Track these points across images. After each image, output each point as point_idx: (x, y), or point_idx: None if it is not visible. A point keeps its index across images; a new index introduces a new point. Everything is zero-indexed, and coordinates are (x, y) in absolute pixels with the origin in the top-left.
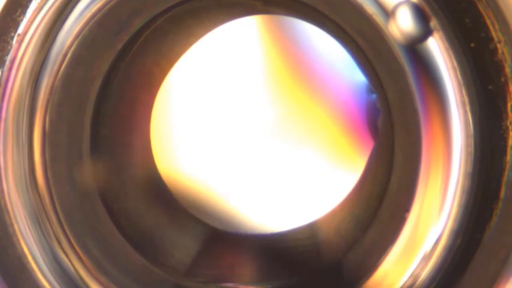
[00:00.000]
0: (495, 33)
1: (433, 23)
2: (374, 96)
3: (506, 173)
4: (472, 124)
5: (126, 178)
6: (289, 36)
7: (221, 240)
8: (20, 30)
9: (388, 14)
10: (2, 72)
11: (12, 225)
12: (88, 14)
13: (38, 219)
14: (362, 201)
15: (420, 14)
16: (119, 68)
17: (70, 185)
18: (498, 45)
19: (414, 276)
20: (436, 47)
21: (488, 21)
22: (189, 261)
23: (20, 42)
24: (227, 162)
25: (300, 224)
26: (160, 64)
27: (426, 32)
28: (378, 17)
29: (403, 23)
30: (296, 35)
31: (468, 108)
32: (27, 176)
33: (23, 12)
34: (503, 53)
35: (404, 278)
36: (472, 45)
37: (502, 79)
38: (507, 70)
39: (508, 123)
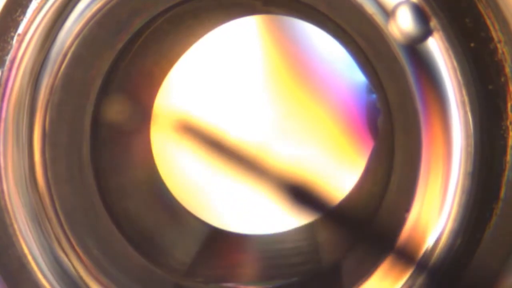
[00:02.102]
0: (495, 33)
1: (433, 23)
2: (374, 96)
3: (506, 173)
4: (472, 124)
5: (126, 178)
6: (289, 36)
7: (221, 240)
8: (20, 30)
9: (388, 14)
10: (2, 72)
11: (12, 225)
12: (88, 14)
13: (38, 219)
14: (362, 201)
15: (420, 14)
16: (119, 68)
17: (70, 185)
18: (498, 45)
19: (414, 277)
20: (436, 47)
21: (488, 21)
22: (189, 261)
23: (20, 42)
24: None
25: (300, 224)
26: (160, 64)
27: (426, 32)
28: (378, 17)
29: (403, 23)
30: (296, 35)
31: (468, 108)
32: (27, 176)
33: (23, 12)
34: (503, 53)
35: (404, 278)
36: (472, 45)
37: (502, 79)
38: (507, 70)
39: (508, 123)
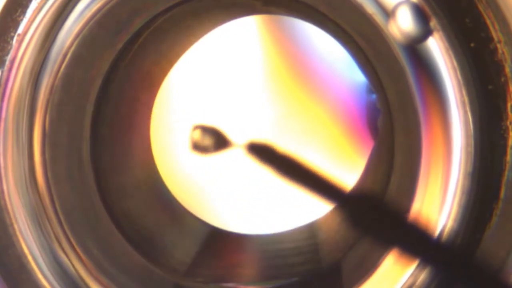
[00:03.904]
0: (495, 33)
1: (433, 23)
2: (374, 96)
3: (506, 173)
4: (472, 124)
5: (126, 178)
6: (289, 36)
7: (221, 240)
8: (20, 30)
9: (388, 14)
10: (2, 72)
11: (12, 225)
12: (88, 14)
13: (38, 219)
14: None
15: (420, 14)
16: (119, 68)
17: (70, 185)
18: (498, 45)
19: (414, 276)
20: (436, 47)
21: (488, 21)
22: (189, 261)
23: (20, 42)
24: (227, 162)
25: (300, 224)
26: (160, 64)
27: (426, 32)
28: (378, 17)
29: (403, 23)
30: (296, 35)
31: (468, 108)
32: (27, 176)
33: (23, 12)
34: (503, 53)
35: (404, 278)
36: (472, 45)
37: (502, 79)
38: (507, 70)
39: (508, 123)
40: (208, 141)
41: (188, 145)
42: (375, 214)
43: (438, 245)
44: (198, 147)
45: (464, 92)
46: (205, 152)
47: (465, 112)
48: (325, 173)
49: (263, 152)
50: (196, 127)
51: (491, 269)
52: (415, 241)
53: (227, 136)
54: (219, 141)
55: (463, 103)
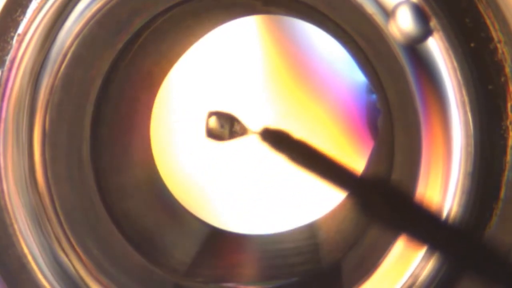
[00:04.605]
0: (495, 33)
1: (433, 23)
2: (374, 96)
3: (506, 173)
4: (472, 124)
5: (126, 178)
6: (289, 36)
7: (221, 240)
8: (20, 30)
9: (388, 14)
10: (2, 72)
11: (12, 225)
12: (88, 14)
13: (38, 219)
14: None
15: (420, 14)
16: (119, 68)
17: (70, 185)
18: (498, 45)
19: (414, 276)
20: (436, 47)
21: (488, 21)
22: (189, 261)
23: (20, 42)
24: (226, 162)
25: (300, 224)
26: (160, 64)
27: (426, 32)
28: (378, 17)
29: (403, 23)
30: (296, 35)
31: (468, 108)
32: (27, 176)
33: (23, 12)
34: (503, 53)
35: (404, 278)
36: (472, 45)
37: (502, 79)
38: (507, 70)
39: (508, 123)
40: (223, 128)
41: (204, 132)
42: (382, 203)
43: (439, 240)
44: (213, 134)
45: (464, 92)
46: (220, 139)
47: (465, 112)
48: (339, 160)
49: (278, 139)
50: (212, 114)
51: (491, 269)
52: (420, 228)
53: (243, 123)
54: (235, 128)
55: (463, 103)
